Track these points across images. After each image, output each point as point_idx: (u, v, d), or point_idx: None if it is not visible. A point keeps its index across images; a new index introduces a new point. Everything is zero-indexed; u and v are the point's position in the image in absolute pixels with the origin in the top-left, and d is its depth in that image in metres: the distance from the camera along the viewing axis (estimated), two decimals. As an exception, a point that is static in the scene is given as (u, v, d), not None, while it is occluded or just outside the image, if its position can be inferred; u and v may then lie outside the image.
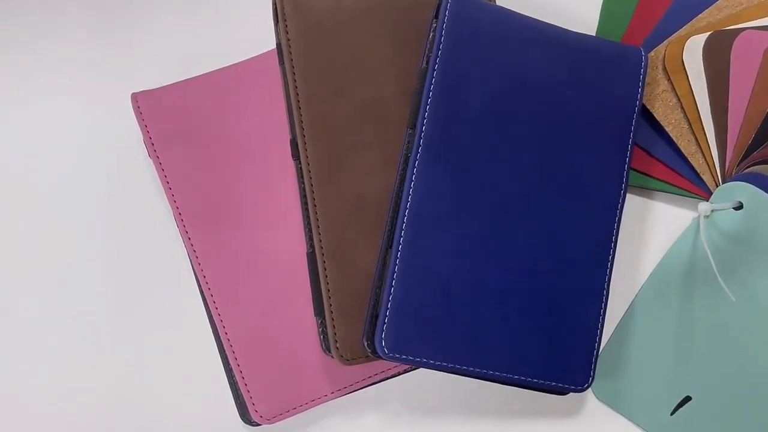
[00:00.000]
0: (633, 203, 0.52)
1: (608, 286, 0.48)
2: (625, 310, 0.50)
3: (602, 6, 0.55)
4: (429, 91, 0.47)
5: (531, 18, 0.50)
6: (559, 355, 0.47)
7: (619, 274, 0.50)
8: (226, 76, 0.53)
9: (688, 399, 0.49)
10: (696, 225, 0.50)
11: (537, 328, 0.46)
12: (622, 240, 0.50)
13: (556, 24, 0.51)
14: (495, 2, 0.51)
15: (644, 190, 0.52)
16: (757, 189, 0.48)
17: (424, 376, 0.50)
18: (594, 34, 0.55)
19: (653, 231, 0.52)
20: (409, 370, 0.49)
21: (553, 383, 0.47)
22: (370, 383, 0.49)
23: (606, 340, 0.50)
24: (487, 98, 0.47)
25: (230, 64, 0.53)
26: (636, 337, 0.50)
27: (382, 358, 0.44)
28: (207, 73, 0.53)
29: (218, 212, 0.50)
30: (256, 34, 0.53)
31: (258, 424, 0.48)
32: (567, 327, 0.47)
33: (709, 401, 0.49)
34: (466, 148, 0.47)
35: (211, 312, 0.49)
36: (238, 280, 0.49)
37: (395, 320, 0.44)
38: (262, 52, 0.53)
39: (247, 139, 0.51)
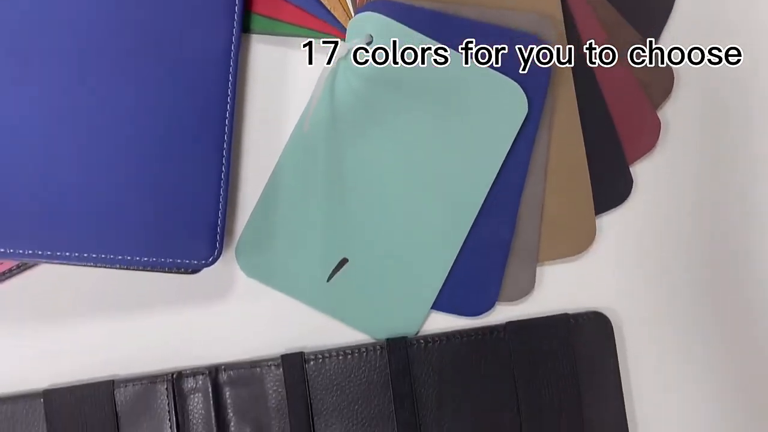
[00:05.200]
0: (267, 54, 0.46)
1: (228, 152, 0.43)
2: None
3: None
4: None
5: None
6: (169, 229, 0.41)
7: (261, 135, 0.45)
8: None
9: (344, 261, 0.45)
10: (335, 69, 0.44)
11: (134, 202, 0.41)
12: (260, 95, 0.45)
13: None
14: None
15: (279, 38, 0.46)
16: (383, 17, 0.43)
17: (41, 273, 0.44)
18: None
19: (292, 81, 0.46)
20: (17, 272, 0.43)
21: (171, 260, 0.41)
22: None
23: (251, 210, 0.45)
24: None
25: None
26: (284, 203, 0.45)
27: None
28: None
29: None
30: None
31: None
32: (176, 198, 0.41)
33: (366, 257, 0.44)
34: None
35: None
36: None
37: None
38: None
39: None
